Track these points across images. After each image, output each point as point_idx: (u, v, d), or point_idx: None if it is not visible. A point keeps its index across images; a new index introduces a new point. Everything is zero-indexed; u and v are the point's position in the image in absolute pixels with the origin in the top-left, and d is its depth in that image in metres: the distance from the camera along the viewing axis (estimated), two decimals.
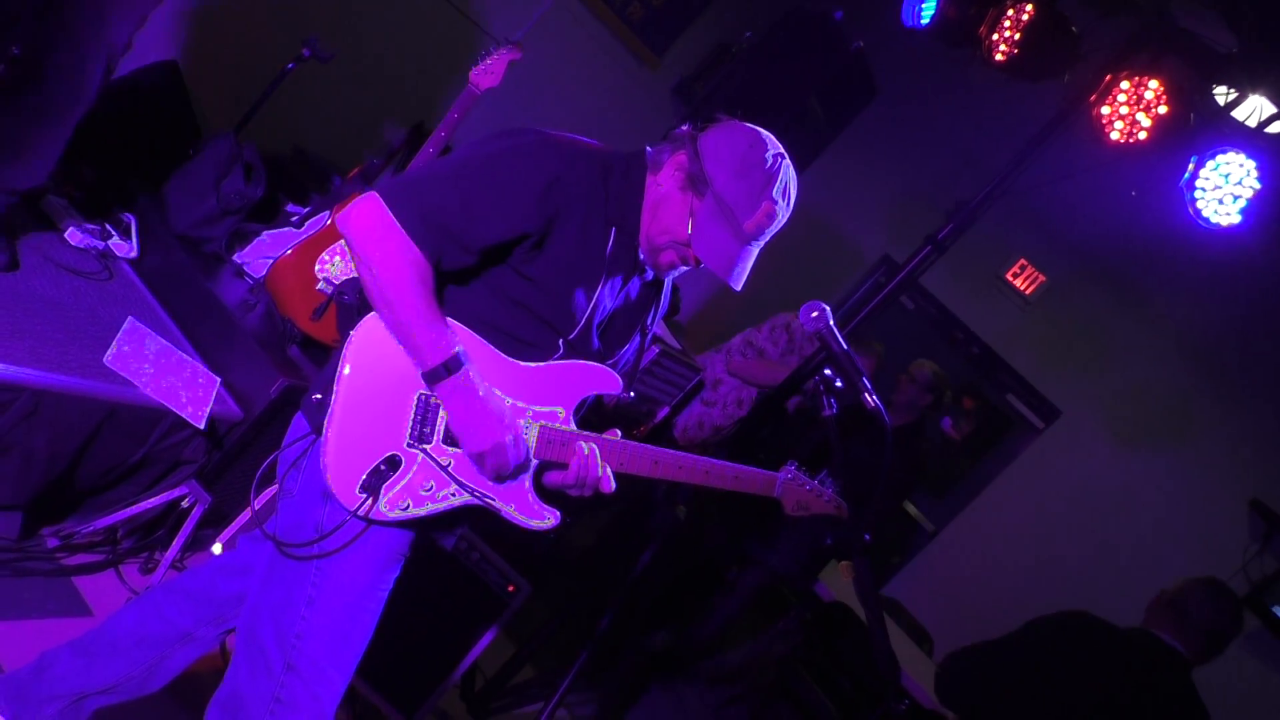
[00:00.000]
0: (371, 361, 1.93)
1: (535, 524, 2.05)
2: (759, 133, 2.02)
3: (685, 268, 2.09)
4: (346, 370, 1.91)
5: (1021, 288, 7.09)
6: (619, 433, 2.09)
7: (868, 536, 2.20)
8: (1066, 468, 6.88)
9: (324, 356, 3.43)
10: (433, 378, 1.88)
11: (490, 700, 3.76)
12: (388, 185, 1.85)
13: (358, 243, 1.84)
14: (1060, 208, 6.38)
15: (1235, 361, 6.31)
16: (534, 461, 2.04)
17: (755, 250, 2.01)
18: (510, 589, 3.26)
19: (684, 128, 2.04)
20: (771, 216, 1.97)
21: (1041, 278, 7.02)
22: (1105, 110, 3.66)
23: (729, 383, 5.01)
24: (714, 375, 5.01)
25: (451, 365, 1.86)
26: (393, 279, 1.83)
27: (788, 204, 2.01)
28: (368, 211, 1.83)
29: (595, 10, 5.90)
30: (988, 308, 7.23)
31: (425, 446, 1.95)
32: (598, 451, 2.04)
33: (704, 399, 4.99)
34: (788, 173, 2.00)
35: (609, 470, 2.05)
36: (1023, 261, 7.06)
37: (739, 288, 2.01)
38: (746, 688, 5.41)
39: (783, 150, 2.02)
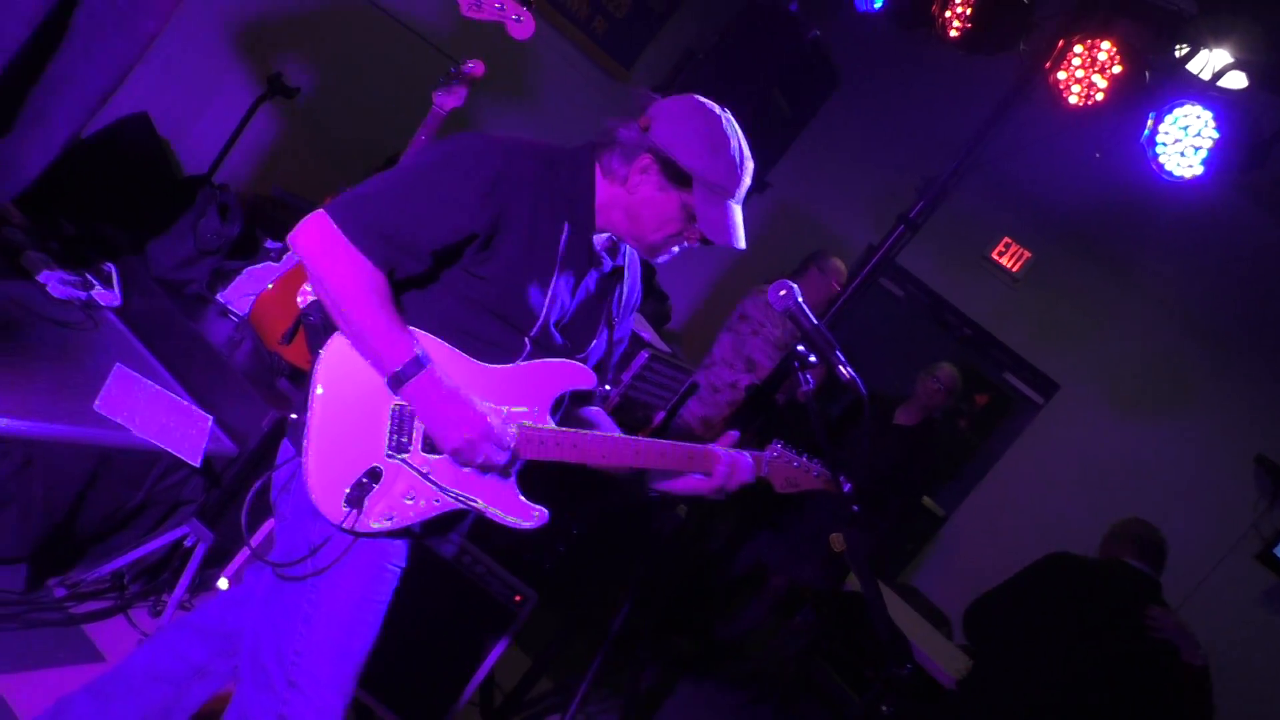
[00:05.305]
0: (343, 378, 1.95)
1: (523, 523, 2.06)
2: (700, 103, 2.06)
3: (682, 248, 2.14)
4: (319, 389, 1.94)
5: (1008, 265, 7.12)
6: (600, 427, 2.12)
7: (856, 507, 2.22)
8: (1070, 440, 6.86)
9: None
10: (396, 382, 1.90)
11: (511, 715, 3.76)
12: (333, 201, 1.90)
13: (308, 259, 1.88)
14: (1036, 182, 6.41)
15: (1225, 317, 6.30)
16: (519, 460, 2.06)
17: (740, 205, 2.09)
18: (517, 599, 3.26)
19: (626, 131, 2.04)
20: (747, 171, 2.07)
21: (1026, 253, 7.05)
22: (1061, 75, 3.70)
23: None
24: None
25: (413, 367, 1.89)
26: (344, 291, 1.86)
27: (749, 151, 2.09)
28: (315, 228, 1.87)
29: (559, 27, 5.95)
30: (977, 289, 7.24)
31: (404, 456, 1.97)
32: (746, 454, 2.18)
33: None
34: (734, 124, 2.07)
35: None
36: (1006, 240, 7.09)
37: (744, 246, 2.06)
38: (768, 685, 5.41)
39: (717, 106, 2.07)
